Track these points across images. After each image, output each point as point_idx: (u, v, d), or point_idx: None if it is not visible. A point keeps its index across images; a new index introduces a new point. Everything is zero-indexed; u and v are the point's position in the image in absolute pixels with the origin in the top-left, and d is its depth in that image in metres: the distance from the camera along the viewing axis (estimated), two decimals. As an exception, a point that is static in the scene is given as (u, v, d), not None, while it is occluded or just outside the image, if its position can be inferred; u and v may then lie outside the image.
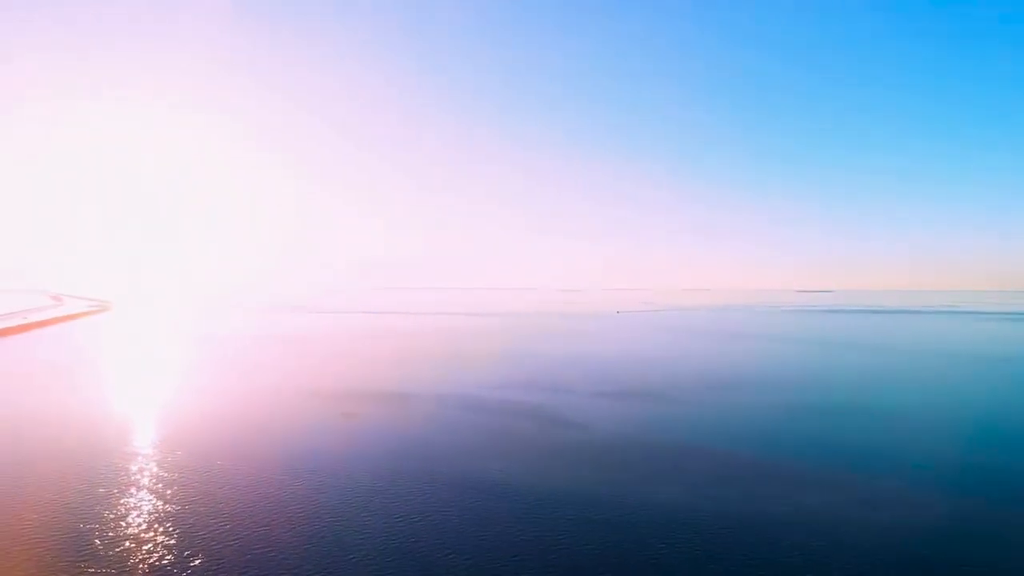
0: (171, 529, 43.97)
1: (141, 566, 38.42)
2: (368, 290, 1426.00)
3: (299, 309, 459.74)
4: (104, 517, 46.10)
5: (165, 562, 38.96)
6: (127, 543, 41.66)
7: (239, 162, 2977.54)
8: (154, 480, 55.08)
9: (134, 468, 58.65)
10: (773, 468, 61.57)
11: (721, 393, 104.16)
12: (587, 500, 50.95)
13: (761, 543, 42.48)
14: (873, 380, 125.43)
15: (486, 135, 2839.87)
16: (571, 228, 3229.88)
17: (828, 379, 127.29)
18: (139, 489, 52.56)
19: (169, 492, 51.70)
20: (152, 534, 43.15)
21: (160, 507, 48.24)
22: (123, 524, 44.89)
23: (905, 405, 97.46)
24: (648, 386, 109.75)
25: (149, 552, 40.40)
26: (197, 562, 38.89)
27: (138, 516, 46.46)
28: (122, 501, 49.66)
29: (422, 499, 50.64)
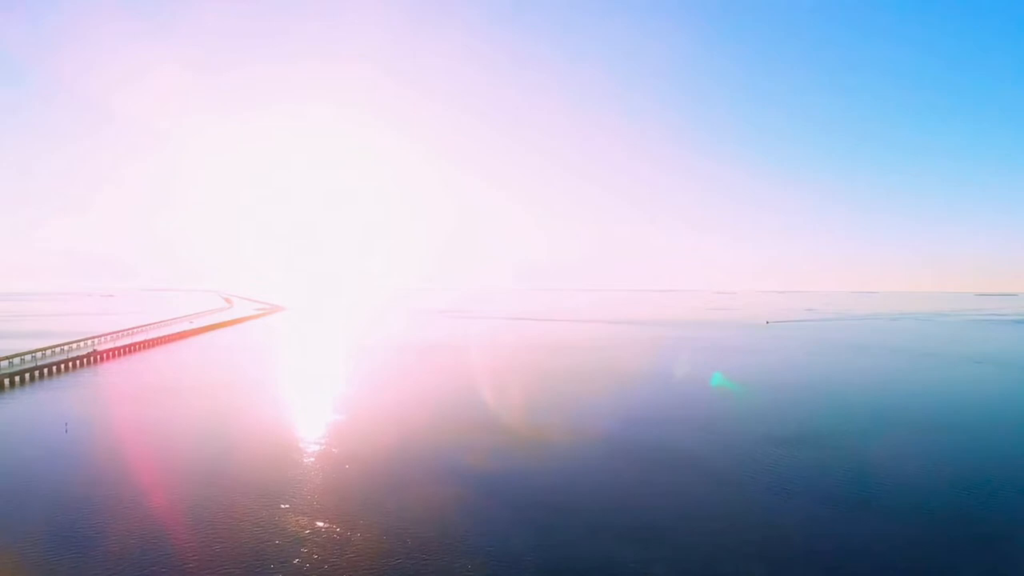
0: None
1: None
2: (530, 292, 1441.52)
3: (460, 313, 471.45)
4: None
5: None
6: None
7: (410, 168, 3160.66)
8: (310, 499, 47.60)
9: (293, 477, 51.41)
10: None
11: (898, 441, 79.79)
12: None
13: None
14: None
15: (652, 136, 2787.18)
16: (730, 230, 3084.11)
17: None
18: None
19: (311, 519, 43.61)
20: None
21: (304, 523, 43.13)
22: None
23: None
24: (788, 428, 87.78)
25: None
26: None
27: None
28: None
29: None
